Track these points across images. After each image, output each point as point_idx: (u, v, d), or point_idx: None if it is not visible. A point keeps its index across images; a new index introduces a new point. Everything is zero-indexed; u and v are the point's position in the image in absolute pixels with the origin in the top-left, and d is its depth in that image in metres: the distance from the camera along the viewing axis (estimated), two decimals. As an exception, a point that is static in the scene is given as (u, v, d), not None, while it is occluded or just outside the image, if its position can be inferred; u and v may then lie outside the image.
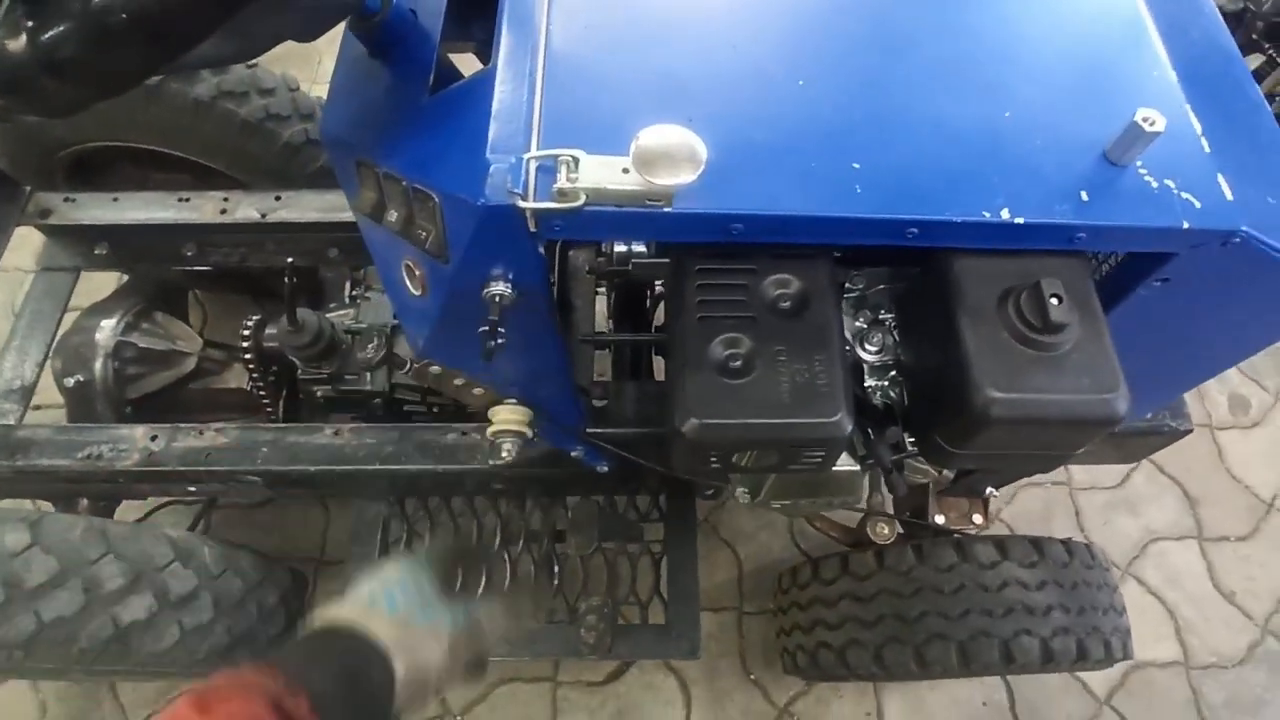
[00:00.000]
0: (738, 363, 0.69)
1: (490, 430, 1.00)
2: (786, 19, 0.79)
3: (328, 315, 1.48)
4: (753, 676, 1.81)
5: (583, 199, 0.64)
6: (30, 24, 0.52)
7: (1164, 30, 0.81)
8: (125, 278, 1.75)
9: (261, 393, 1.52)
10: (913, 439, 0.78)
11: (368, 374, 1.43)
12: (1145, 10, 0.83)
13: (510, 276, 0.73)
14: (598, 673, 1.81)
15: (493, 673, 1.80)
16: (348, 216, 1.55)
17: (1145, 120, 0.66)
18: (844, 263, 0.79)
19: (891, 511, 1.51)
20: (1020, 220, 0.68)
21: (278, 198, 1.55)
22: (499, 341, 0.74)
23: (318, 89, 1.83)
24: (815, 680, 1.68)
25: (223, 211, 1.55)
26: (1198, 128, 0.75)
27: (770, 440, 0.67)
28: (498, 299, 0.72)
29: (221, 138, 1.56)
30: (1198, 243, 0.71)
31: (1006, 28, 0.81)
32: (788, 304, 0.72)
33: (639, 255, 1.05)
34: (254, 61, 1.58)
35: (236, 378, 1.63)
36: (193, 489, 1.40)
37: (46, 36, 0.52)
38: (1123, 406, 0.67)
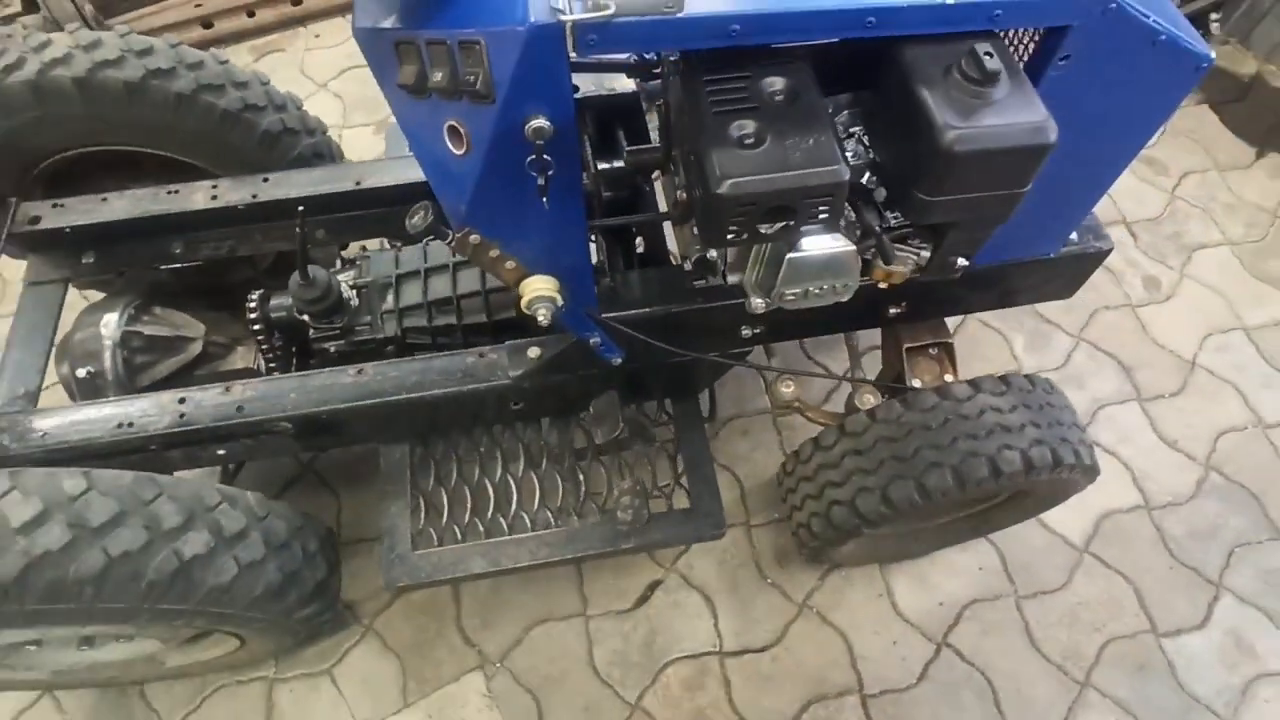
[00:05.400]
0: (751, 139, 0.83)
1: (524, 301, 1.11)
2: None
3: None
4: (770, 580, 1.92)
5: (612, 8, 0.78)
6: None
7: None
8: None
9: (272, 361, 1.58)
10: (895, 213, 0.94)
11: (380, 322, 1.51)
12: None
13: (547, 110, 0.86)
14: (625, 599, 1.88)
15: (521, 616, 1.85)
16: (334, 188, 1.66)
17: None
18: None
19: (873, 380, 1.68)
20: (951, 0, 0.86)
21: (265, 179, 1.64)
22: (549, 173, 0.86)
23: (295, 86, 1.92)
24: (826, 547, 1.78)
25: (213, 198, 1.62)
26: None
27: (787, 190, 0.82)
28: (540, 129, 0.85)
29: (202, 130, 1.64)
30: (1085, 10, 0.90)
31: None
32: (781, 97, 0.87)
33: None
34: (225, 58, 1.68)
35: (243, 360, 1.69)
36: (223, 451, 1.45)
37: None
38: (1052, 134, 0.85)
